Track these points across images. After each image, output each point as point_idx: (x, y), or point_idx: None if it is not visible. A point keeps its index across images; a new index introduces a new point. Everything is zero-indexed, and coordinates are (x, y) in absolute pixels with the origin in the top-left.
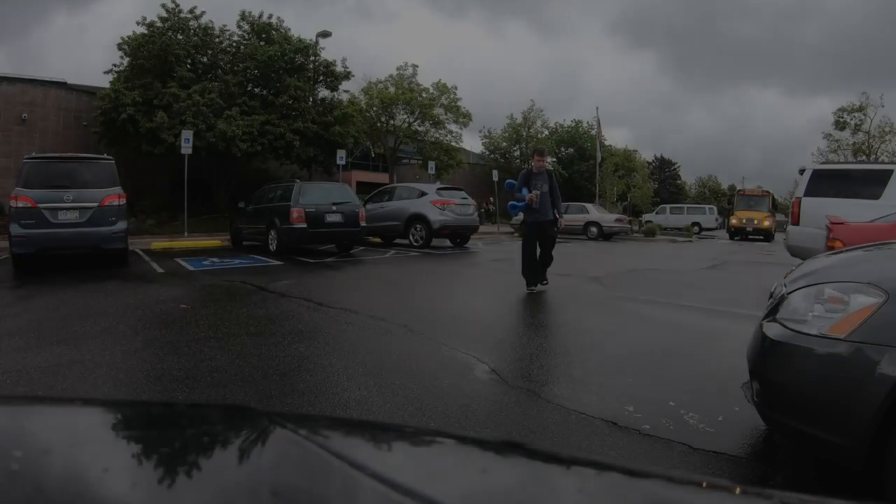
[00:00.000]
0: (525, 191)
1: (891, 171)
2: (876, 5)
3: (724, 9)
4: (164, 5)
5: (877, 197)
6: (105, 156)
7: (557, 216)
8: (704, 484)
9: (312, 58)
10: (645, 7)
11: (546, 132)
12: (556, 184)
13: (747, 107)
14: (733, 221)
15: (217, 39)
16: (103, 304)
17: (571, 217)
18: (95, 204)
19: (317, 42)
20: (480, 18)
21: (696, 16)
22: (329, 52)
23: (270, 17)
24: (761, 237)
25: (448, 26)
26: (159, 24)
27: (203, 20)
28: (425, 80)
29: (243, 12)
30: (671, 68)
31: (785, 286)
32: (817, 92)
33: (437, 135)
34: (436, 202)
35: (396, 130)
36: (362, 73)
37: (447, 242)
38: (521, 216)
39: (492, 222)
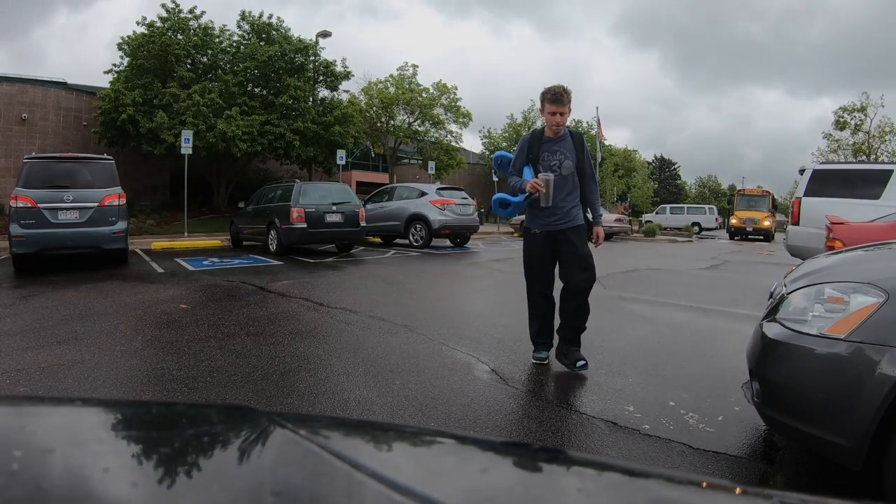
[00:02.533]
0: (528, 173)
1: (891, 171)
2: (880, 5)
3: (729, 9)
4: (164, 5)
5: (877, 197)
6: (105, 156)
7: (592, 221)
8: (704, 484)
9: (312, 58)
10: (649, 7)
11: None
12: (589, 161)
13: (749, 107)
14: (733, 221)
15: (217, 39)
16: (103, 304)
17: None
18: (95, 204)
19: (317, 42)
20: (484, 18)
21: (699, 16)
22: (333, 50)
23: (270, 17)
24: (761, 237)
25: (452, 26)
26: (159, 24)
27: (203, 20)
28: (428, 79)
29: (243, 12)
30: (674, 68)
31: (785, 286)
32: (820, 92)
33: (437, 135)
34: (436, 202)
35: (396, 130)
36: (364, 71)
37: (447, 242)
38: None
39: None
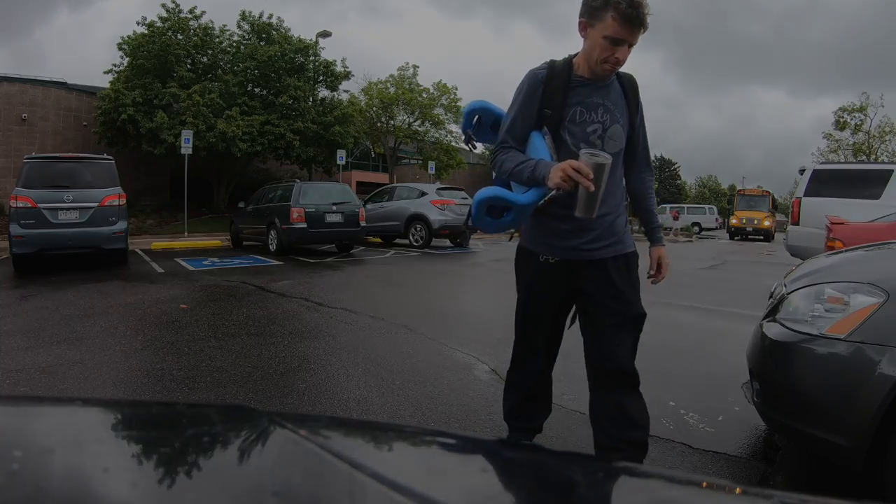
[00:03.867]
0: (541, 143)
1: (891, 171)
2: (880, 5)
3: (731, 9)
4: (164, 5)
5: (877, 197)
6: (105, 156)
7: (648, 237)
8: (704, 484)
9: (312, 58)
10: (651, 7)
11: None
12: (644, 127)
13: (750, 107)
14: (733, 221)
15: (217, 39)
16: (103, 304)
17: None
18: (95, 204)
19: (317, 42)
20: (486, 17)
21: (703, 16)
22: (335, 50)
23: (271, 17)
24: (761, 237)
25: (454, 25)
26: (159, 23)
27: (203, 20)
28: (429, 78)
29: (243, 12)
30: (676, 68)
31: (785, 286)
32: (820, 92)
33: (437, 135)
34: (436, 202)
35: (396, 130)
36: (364, 71)
37: (447, 242)
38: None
39: None
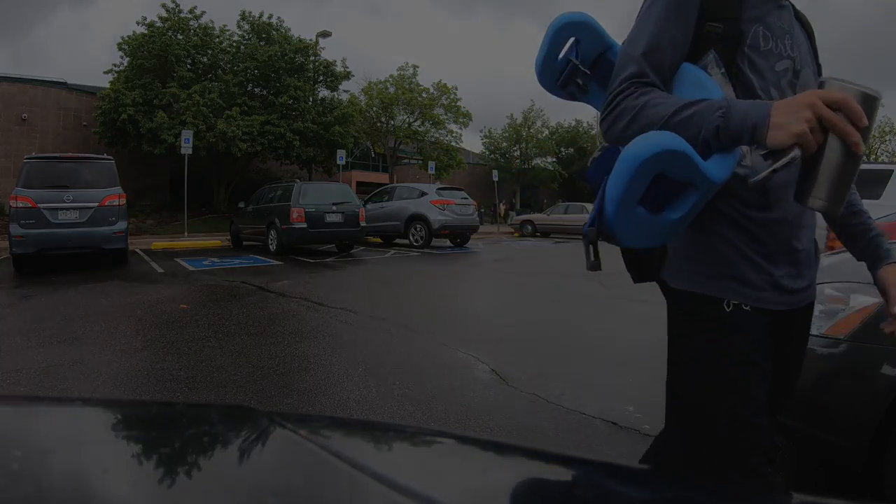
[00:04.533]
0: (707, 79)
1: (891, 171)
2: (880, 5)
3: None
4: (164, 5)
5: (877, 197)
6: (105, 156)
7: (874, 245)
8: (704, 484)
9: (312, 58)
10: None
11: (546, 132)
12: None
13: None
14: None
15: (217, 39)
16: (103, 304)
17: (571, 217)
18: (95, 204)
19: (317, 42)
20: (487, 16)
21: None
22: (335, 50)
23: (271, 17)
24: None
25: (454, 24)
26: (159, 23)
27: (203, 20)
28: (429, 77)
29: (243, 12)
30: None
31: None
32: None
33: (437, 135)
34: (436, 202)
35: (396, 130)
36: (364, 71)
37: (447, 242)
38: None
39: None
